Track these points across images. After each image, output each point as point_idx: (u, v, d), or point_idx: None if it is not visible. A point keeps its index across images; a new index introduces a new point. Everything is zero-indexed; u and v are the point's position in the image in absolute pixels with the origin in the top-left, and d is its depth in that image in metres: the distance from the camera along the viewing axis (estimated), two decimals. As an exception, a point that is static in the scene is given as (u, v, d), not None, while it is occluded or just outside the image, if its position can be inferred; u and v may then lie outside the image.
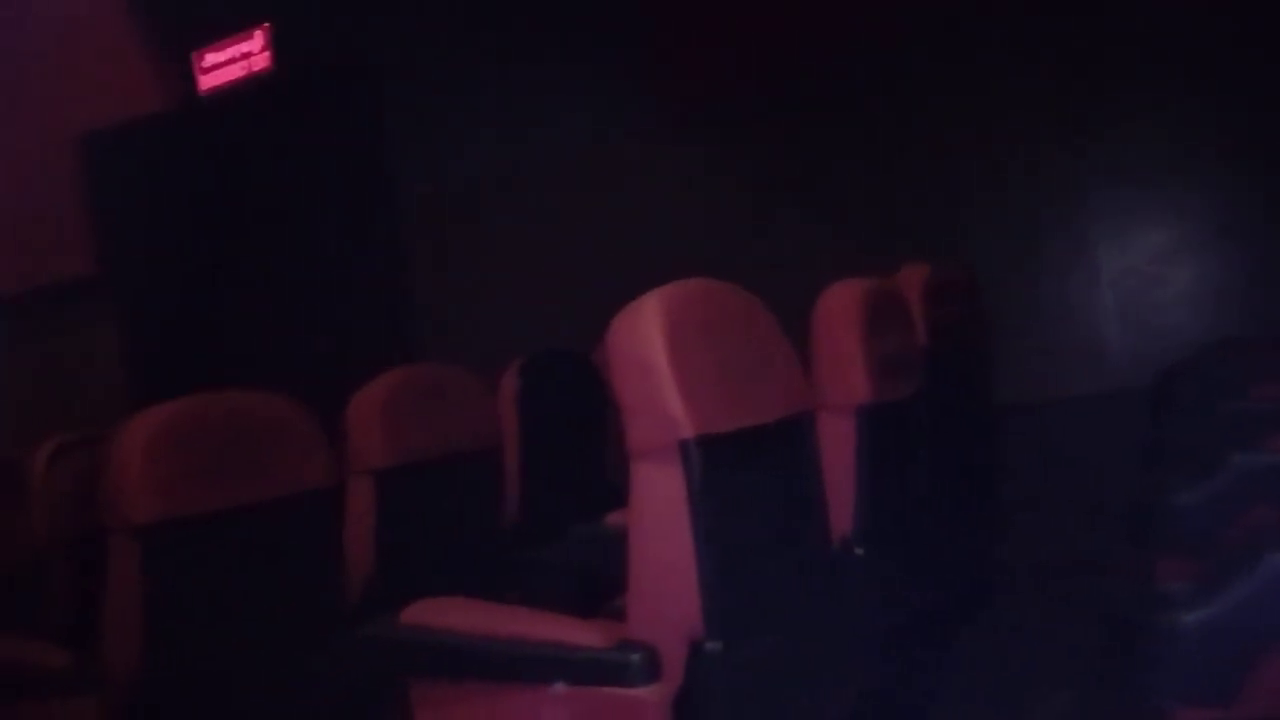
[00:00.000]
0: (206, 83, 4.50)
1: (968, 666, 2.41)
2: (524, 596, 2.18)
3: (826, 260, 3.02)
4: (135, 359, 4.74)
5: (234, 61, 4.44)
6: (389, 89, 4.15)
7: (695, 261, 3.53)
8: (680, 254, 3.62)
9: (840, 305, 1.92)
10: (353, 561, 2.27)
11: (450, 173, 4.06)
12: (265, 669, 1.93)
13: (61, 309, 4.98)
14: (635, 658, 1.35)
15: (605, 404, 3.14)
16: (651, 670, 1.35)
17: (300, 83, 4.34)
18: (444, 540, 2.47)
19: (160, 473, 1.84)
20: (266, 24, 4.34)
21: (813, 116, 3.44)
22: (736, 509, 1.45)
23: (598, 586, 2.18)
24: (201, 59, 4.50)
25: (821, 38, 3.34)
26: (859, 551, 1.88)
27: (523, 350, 3.46)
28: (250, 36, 4.38)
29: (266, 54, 4.36)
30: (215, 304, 4.65)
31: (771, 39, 3.45)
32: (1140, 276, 3.24)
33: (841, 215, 3.28)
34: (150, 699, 1.80)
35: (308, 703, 1.92)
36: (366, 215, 4.38)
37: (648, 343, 1.38)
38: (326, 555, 2.15)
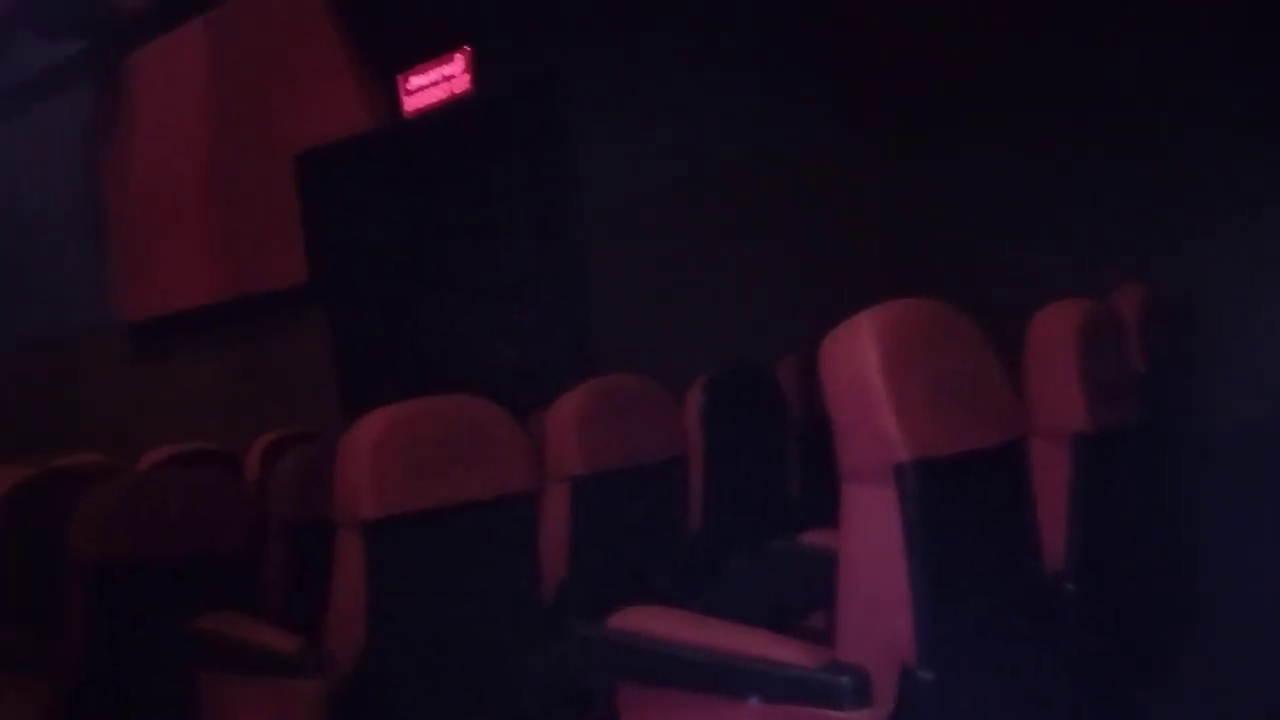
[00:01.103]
0: (411, 104, 4.78)
1: (1175, 707, 2.27)
2: (709, 606, 2.20)
3: (1033, 277, 2.93)
4: (342, 360, 5.08)
5: (436, 84, 4.70)
6: (574, 105, 4.29)
7: (884, 276, 3.49)
8: (868, 268, 3.60)
9: (1056, 327, 1.86)
10: (547, 564, 2.35)
11: (632, 185, 4.16)
12: (476, 662, 2.03)
13: (275, 313, 5.40)
14: (845, 680, 1.34)
15: (787, 419, 3.14)
16: (862, 694, 1.34)
17: (495, 103, 4.55)
18: (631, 547, 2.53)
19: (384, 472, 1.97)
20: (467, 48, 4.57)
21: (1011, 121, 3.25)
22: (951, 535, 1.42)
23: (789, 604, 2.18)
24: (406, 82, 4.79)
25: (1016, 35, 3.19)
26: (1070, 586, 1.80)
27: (703, 362, 3.50)
28: (451, 60, 4.63)
29: (467, 76, 4.60)
30: (415, 311, 4.92)
31: (960, 38, 3.33)
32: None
33: (1049, 229, 3.13)
34: (370, 685, 1.93)
35: (518, 697, 2.01)
36: (552, 227, 4.55)
37: (863, 363, 1.37)
38: (526, 557, 2.24)
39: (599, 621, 1.58)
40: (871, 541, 1.36)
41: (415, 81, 4.78)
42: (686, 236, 4.03)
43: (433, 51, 4.68)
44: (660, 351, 3.94)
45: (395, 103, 4.83)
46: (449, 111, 4.67)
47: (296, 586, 2.76)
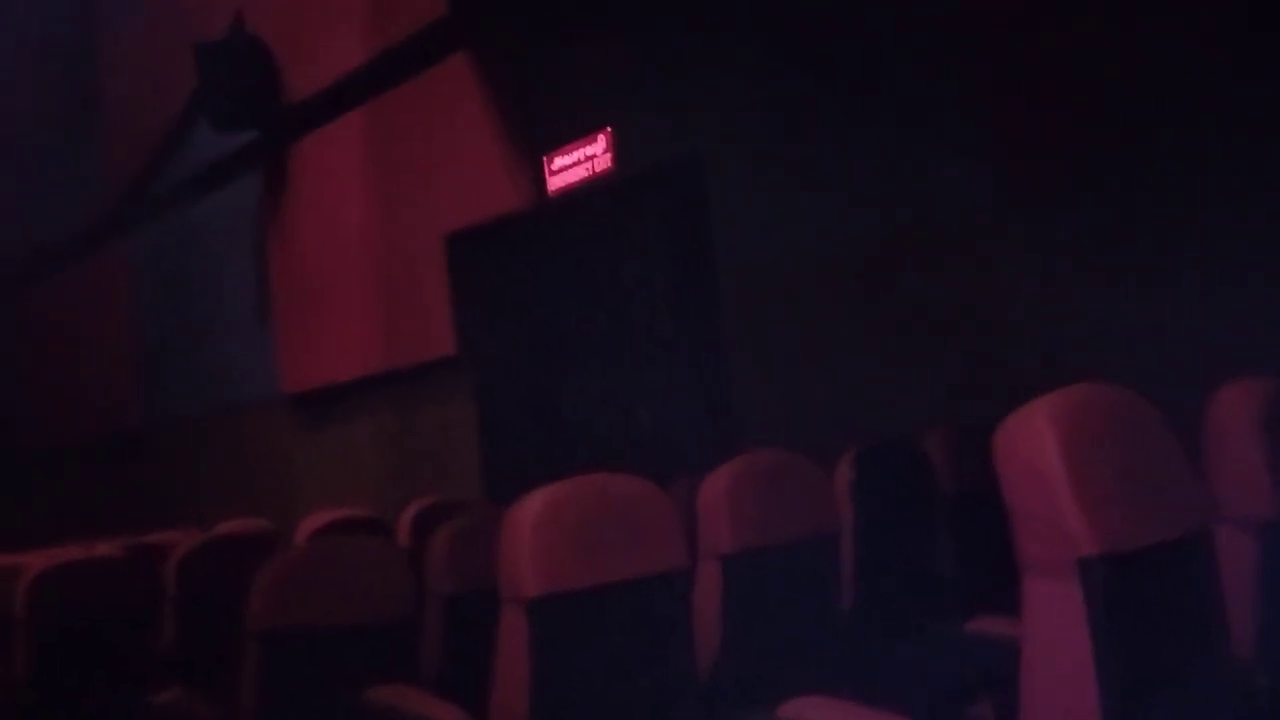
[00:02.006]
0: (554, 184, 4.98)
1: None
2: (869, 693, 2.16)
3: (1203, 354, 2.78)
4: (489, 431, 5.25)
5: (579, 164, 4.89)
6: (711, 181, 4.37)
7: (1035, 352, 3.39)
8: (1017, 345, 3.50)
9: (1236, 408, 1.78)
10: (700, 642, 2.36)
11: (775, 258, 4.19)
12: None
13: (424, 385, 5.63)
14: (1033, 781, 1.30)
15: (936, 495, 3.07)
16: (1050, 796, 1.29)
17: (635, 181, 4.69)
18: (783, 626, 2.51)
19: (546, 550, 2.03)
20: (609, 128, 4.74)
21: (1187, 179, 3.02)
22: (1139, 631, 1.36)
23: (953, 692, 2.12)
24: (551, 162, 4.99)
25: (1189, 84, 3.03)
26: (1263, 679, 1.70)
27: (848, 436, 3.46)
28: (594, 140, 4.81)
29: (608, 155, 4.76)
30: (556, 383, 5.06)
31: (1126, 90, 3.19)
32: None
33: (1218, 303, 2.96)
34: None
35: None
36: (690, 301, 4.61)
37: (1043, 451, 1.35)
38: (682, 635, 2.25)
39: (768, 711, 1.57)
40: (1055, 636, 1.32)
41: (559, 161, 4.98)
42: (830, 310, 4.03)
43: (576, 132, 4.87)
44: (805, 425, 3.92)
45: (540, 182, 5.03)
46: (591, 190, 4.83)
47: (452, 656, 2.84)
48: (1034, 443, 1.36)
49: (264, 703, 2.54)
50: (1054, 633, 1.32)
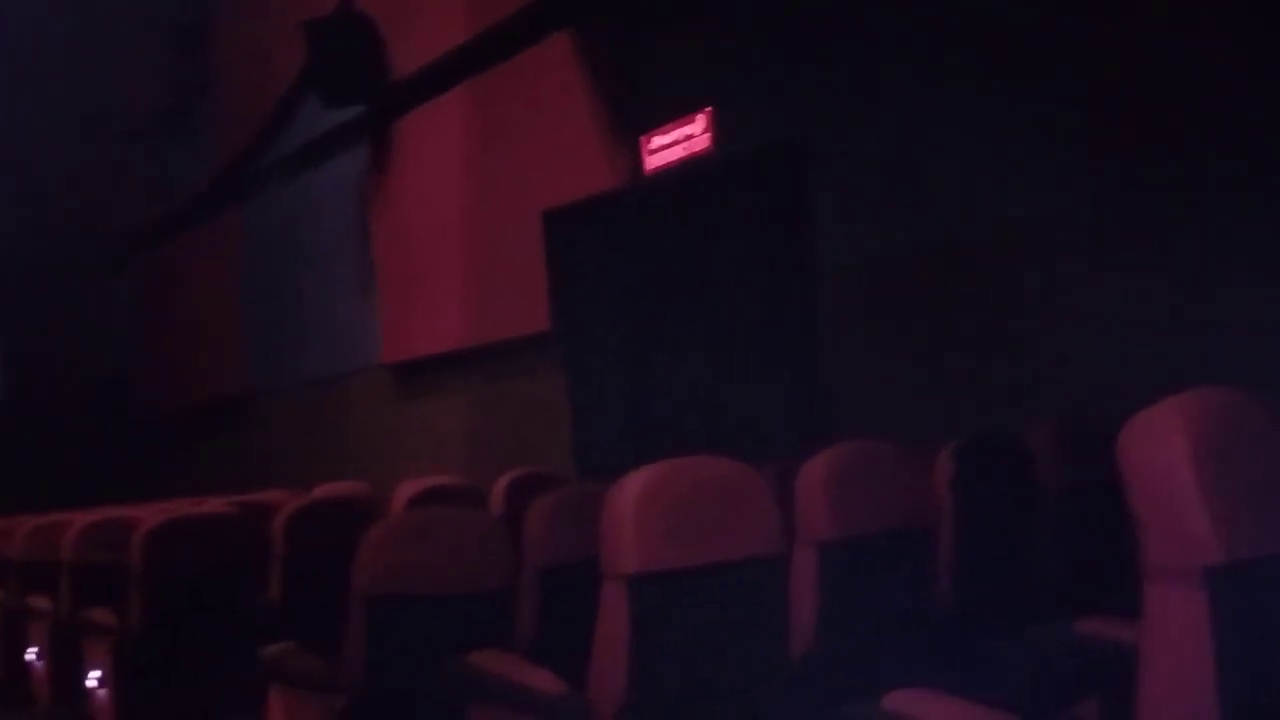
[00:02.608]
0: (651, 163, 4.99)
1: None
2: (969, 689, 2.13)
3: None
4: (579, 407, 5.31)
5: (677, 144, 4.89)
6: (812, 163, 4.32)
7: (1147, 350, 3.28)
8: (1123, 335, 3.40)
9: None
10: (795, 629, 2.36)
11: (875, 244, 4.13)
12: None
13: (518, 359, 5.73)
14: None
15: (1039, 492, 3.00)
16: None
17: (733, 161, 4.67)
18: (879, 617, 2.49)
19: (647, 529, 2.06)
20: (709, 108, 4.73)
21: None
22: (1263, 642, 1.32)
23: (1055, 692, 2.08)
24: (649, 142, 5.00)
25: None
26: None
27: (945, 428, 3.40)
28: (693, 120, 4.80)
29: (707, 136, 4.75)
30: (647, 362, 5.09)
31: (1237, 82, 3.07)
32: None
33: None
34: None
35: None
36: (785, 285, 4.58)
37: (1171, 455, 1.31)
38: (775, 621, 2.27)
39: (871, 704, 1.57)
40: (1176, 644, 1.29)
41: (657, 141, 4.98)
42: (929, 297, 3.96)
43: (675, 112, 4.87)
44: (901, 415, 3.87)
45: (637, 161, 5.05)
46: (688, 170, 4.83)
47: (546, 626, 2.90)
48: (1161, 445, 1.32)
49: (369, 660, 2.64)
50: (1175, 640, 1.29)
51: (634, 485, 2.10)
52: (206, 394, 8.81)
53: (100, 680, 4.22)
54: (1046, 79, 3.53)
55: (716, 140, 4.71)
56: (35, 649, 5.01)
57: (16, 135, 12.09)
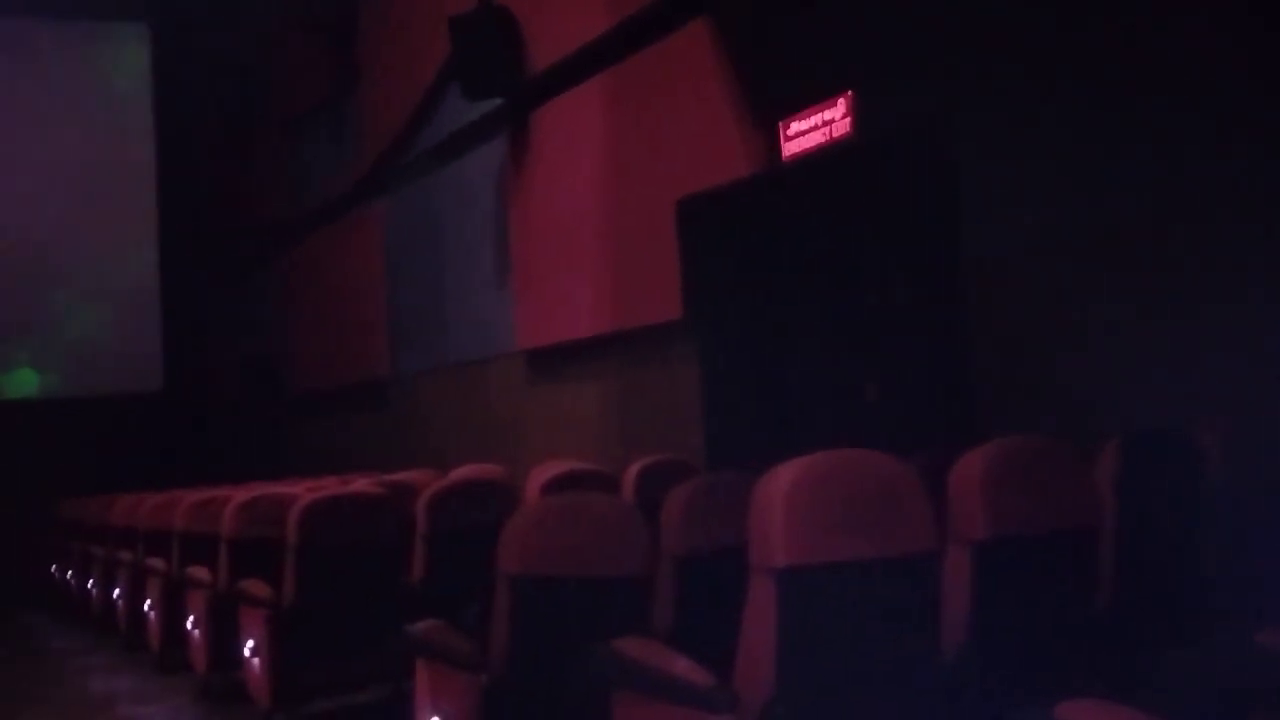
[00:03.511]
0: (789, 149, 4.90)
1: None
2: (1126, 695, 2.02)
3: None
4: (711, 396, 5.30)
5: (816, 129, 4.79)
6: (959, 149, 4.16)
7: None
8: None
9: None
10: (947, 629, 2.29)
11: (1022, 230, 3.95)
12: (877, 717, 2.02)
13: (650, 347, 5.75)
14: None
15: (1206, 492, 2.81)
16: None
17: (876, 146, 4.55)
18: (1036, 619, 2.39)
19: (797, 522, 2.03)
20: (849, 91, 4.61)
21: None
22: None
23: (1234, 704, 1.95)
24: (787, 127, 4.92)
25: None
26: None
27: (1105, 425, 3.23)
28: (833, 104, 4.69)
29: (848, 120, 4.64)
30: (782, 352, 5.03)
31: None
32: None
33: None
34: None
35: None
36: (929, 273, 4.44)
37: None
38: (927, 620, 2.20)
39: (1039, 713, 1.50)
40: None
41: (795, 127, 4.89)
42: (1087, 286, 3.76)
43: (814, 96, 4.77)
44: (1056, 410, 3.70)
45: (775, 148, 4.97)
46: (828, 155, 4.73)
47: (684, 614, 2.90)
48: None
49: (514, 641, 2.70)
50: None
51: (785, 477, 2.07)
52: (350, 377, 9.19)
53: (254, 649, 4.45)
54: (1213, 48, 3.29)
55: (858, 124, 4.59)
56: (193, 617, 5.33)
57: (179, 136, 12.88)
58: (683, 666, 2.14)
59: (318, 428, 10.29)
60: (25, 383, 12.13)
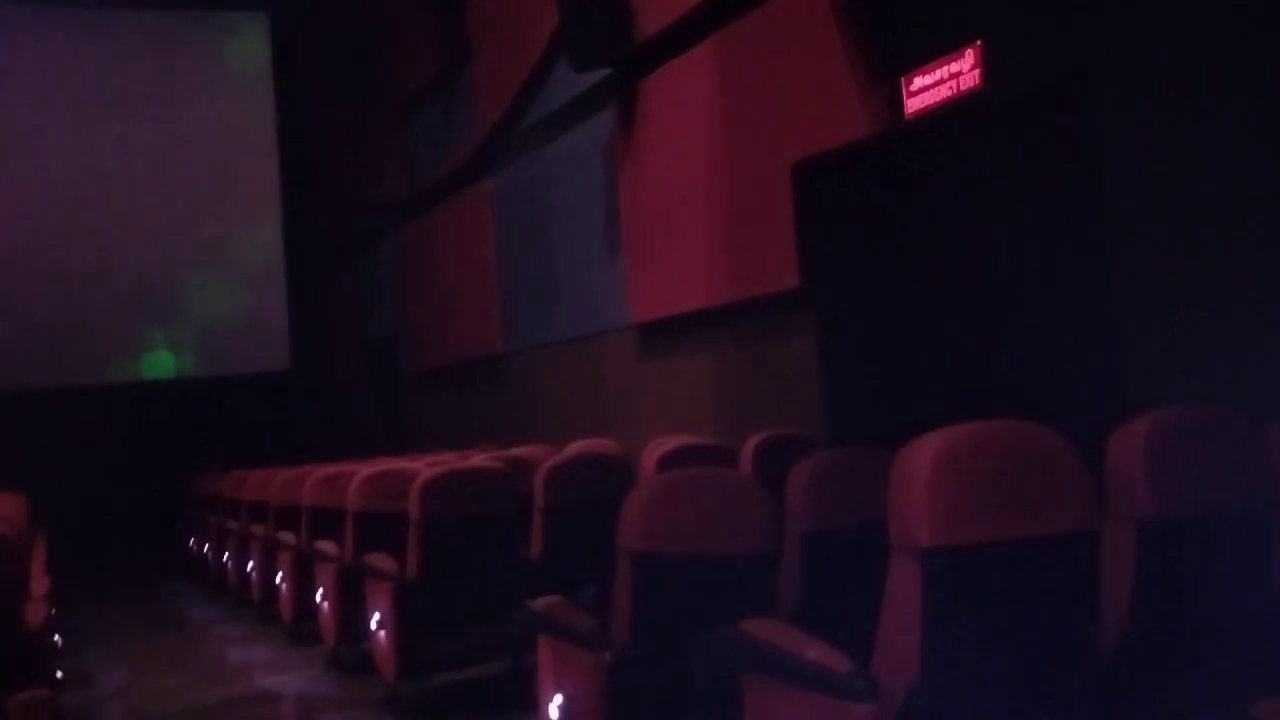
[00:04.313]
0: (913, 105, 4.65)
1: None
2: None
3: None
4: (831, 365, 5.11)
5: (942, 83, 4.52)
6: (1104, 98, 3.85)
7: None
8: None
9: None
10: (1107, 612, 2.10)
11: (1174, 189, 3.64)
12: (1030, 713, 1.86)
13: (766, 318, 5.59)
14: None
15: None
16: None
17: (1008, 101, 4.26)
18: (1205, 605, 2.18)
19: (943, 500, 1.88)
20: (979, 42, 4.33)
21: None
22: None
23: None
24: (910, 82, 4.66)
25: None
26: None
27: (1274, 395, 2.94)
28: (961, 56, 4.42)
29: (976, 72, 4.36)
30: (905, 318, 4.80)
31: None
32: None
33: None
34: (919, 716, 1.85)
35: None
36: (1068, 234, 4.15)
37: None
38: (1084, 603, 2.02)
39: (1239, 708, 1.33)
40: None
41: (919, 81, 4.64)
42: (1249, 247, 3.44)
43: (940, 48, 4.50)
44: (1220, 380, 3.41)
45: (897, 105, 4.73)
46: (955, 112, 4.46)
47: (811, 593, 2.78)
48: None
49: (636, 619, 2.63)
50: None
51: (928, 451, 1.92)
52: (464, 353, 9.31)
53: (380, 622, 4.52)
54: None
55: (988, 77, 4.31)
56: (322, 590, 5.47)
57: (299, 119, 13.26)
58: (817, 651, 2.02)
59: (436, 404, 10.48)
60: (163, 364, 12.75)
